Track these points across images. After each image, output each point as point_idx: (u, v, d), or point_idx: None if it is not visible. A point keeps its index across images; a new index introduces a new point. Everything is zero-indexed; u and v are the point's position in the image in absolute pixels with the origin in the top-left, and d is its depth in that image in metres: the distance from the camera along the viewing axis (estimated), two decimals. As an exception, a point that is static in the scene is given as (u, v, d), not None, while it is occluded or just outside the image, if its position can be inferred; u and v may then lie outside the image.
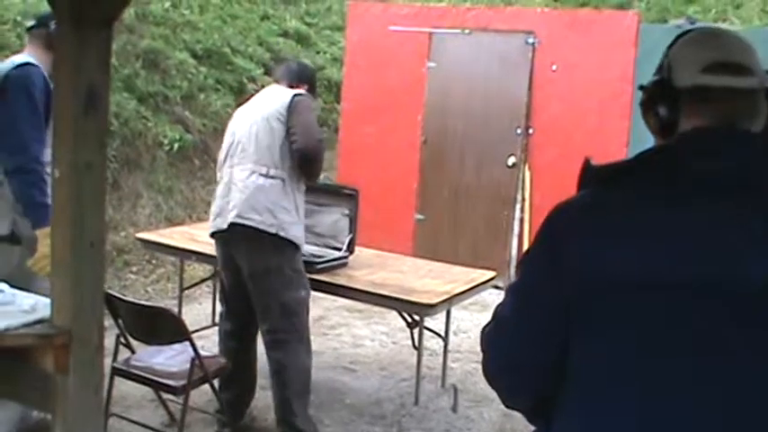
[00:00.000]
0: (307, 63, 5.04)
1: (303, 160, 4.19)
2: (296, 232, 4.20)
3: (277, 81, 4.56)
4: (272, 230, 4.10)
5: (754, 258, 1.45)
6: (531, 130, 7.68)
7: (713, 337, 1.44)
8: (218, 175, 4.39)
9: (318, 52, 11.33)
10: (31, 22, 4.28)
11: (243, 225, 4.11)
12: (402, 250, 6.41)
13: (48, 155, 3.87)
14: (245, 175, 4.16)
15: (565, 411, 1.59)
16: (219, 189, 4.32)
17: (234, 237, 4.19)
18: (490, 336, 1.72)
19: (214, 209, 4.34)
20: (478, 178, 7.90)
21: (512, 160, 7.73)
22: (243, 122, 4.31)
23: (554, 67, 7.55)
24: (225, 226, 4.20)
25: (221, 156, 4.39)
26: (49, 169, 3.88)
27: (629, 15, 7.76)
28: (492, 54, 7.82)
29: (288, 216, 4.15)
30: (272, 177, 4.14)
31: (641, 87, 1.70)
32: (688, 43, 1.67)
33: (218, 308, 4.72)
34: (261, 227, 4.09)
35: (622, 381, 1.49)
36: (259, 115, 4.24)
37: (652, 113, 1.66)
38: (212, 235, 4.37)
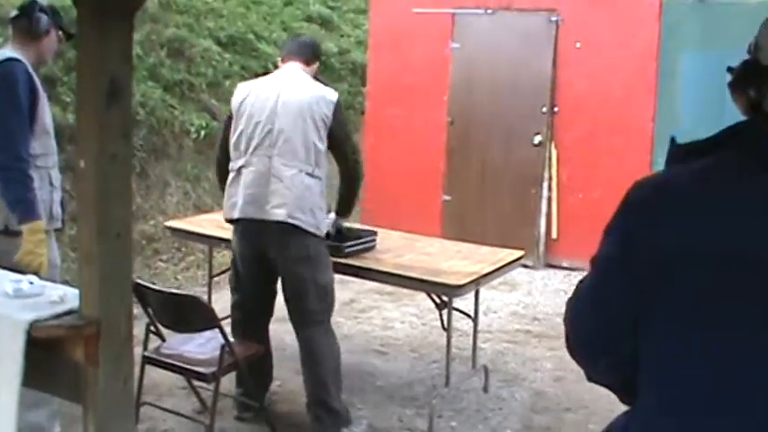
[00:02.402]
0: (314, 40, 5.03)
1: (346, 180, 4.48)
2: (326, 227, 4.35)
3: (290, 57, 4.49)
4: (312, 230, 4.18)
5: None
6: (556, 109, 7.65)
7: None
8: (238, 157, 4.27)
9: (342, 36, 11.33)
10: (13, 13, 4.21)
11: (289, 224, 4.13)
12: (430, 231, 6.41)
13: (34, 148, 3.92)
14: (292, 172, 4.15)
15: (643, 387, 1.60)
16: (250, 176, 4.20)
17: (271, 230, 4.18)
18: (570, 308, 1.75)
19: (243, 196, 4.22)
20: (505, 158, 7.88)
21: (538, 139, 7.70)
22: (284, 114, 4.21)
23: (578, 45, 7.51)
24: (263, 217, 4.16)
25: (244, 139, 4.25)
26: (38, 162, 3.94)
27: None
28: (515, 33, 7.79)
29: (322, 215, 4.26)
30: (316, 177, 4.22)
31: (729, 69, 1.68)
32: None
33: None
34: (304, 226, 4.15)
35: (695, 355, 1.50)
36: (305, 109, 4.21)
37: (740, 93, 1.64)
38: (236, 221, 4.30)
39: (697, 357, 1.50)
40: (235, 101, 4.37)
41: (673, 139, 1.65)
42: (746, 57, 1.64)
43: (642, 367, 1.60)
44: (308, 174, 4.17)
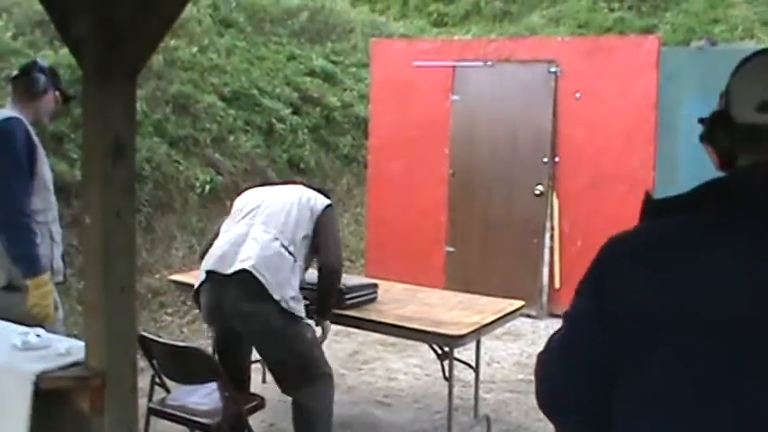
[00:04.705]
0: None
1: (328, 275, 4.42)
2: (297, 307, 4.24)
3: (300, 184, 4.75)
4: (276, 297, 4.13)
5: None
6: (557, 159, 7.73)
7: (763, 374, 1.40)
8: (226, 226, 4.45)
9: (345, 89, 11.45)
10: (14, 73, 4.40)
11: (252, 276, 4.10)
12: (434, 283, 6.46)
13: (35, 204, 4.03)
14: (267, 236, 4.24)
15: None
16: (230, 236, 4.31)
17: (233, 284, 4.15)
18: (542, 362, 1.73)
19: (216, 250, 4.30)
20: (507, 208, 7.95)
21: (539, 189, 7.77)
22: (275, 196, 4.48)
23: (577, 95, 7.60)
24: (228, 270, 4.16)
25: (239, 214, 4.45)
26: (38, 218, 4.04)
27: (650, 39, 7.79)
28: (515, 84, 7.89)
29: (292, 292, 4.20)
30: (290, 253, 4.25)
31: (701, 120, 1.67)
32: (747, 74, 1.62)
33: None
34: (267, 287, 4.11)
35: (668, 411, 1.45)
36: (295, 197, 4.44)
37: (712, 146, 1.65)
38: (207, 275, 4.29)
39: (671, 413, 1.45)
40: (236, 203, 4.62)
41: (647, 194, 1.63)
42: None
43: (615, 428, 1.55)
44: (283, 245, 4.24)
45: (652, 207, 1.61)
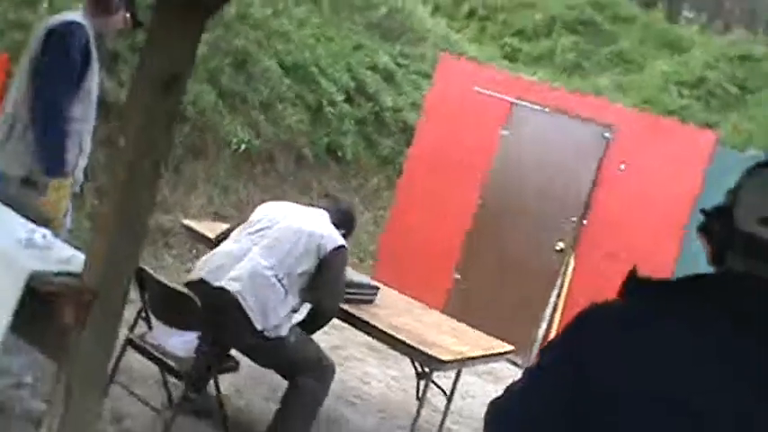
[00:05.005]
0: (353, 211, 4.97)
1: (318, 316, 4.39)
2: (281, 330, 4.20)
3: (326, 210, 4.59)
4: (258, 327, 4.09)
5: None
6: (585, 221, 7.71)
7: None
8: (237, 234, 4.41)
9: (401, 93, 11.47)
10: None
11: (237, 301, 4.07)
12: (434, 304, 6.43)
13: (75, 110, 4.08)
14: (264, 264, 4.17)
15: None
16: (233, 248, 4.28)
17: (218, 299, 4.10)
18: (496, 408, 1.71)
19: (215, 259, 4.29)
20: (524, 253, 7.93)
21: (560, 245, 7.75)
22: (291, 219, 4.37)
23: (622, 167, 7.58)
24: (216, 283, 4.14)
25: (251, 227, 4.40)
26: (74, 125, 4.08)
27: (707, 134, 7.77)
28: (567, 137, 7.88)
29: (276, 321, 4.15)
30: (282, 285, 4.18)
31: (702, 211, 1.67)
32: (756, 184, 1.62)
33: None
34: (250, 315, 4.07)
35: None
36: (309, 227, 4.32)
37: (707, 239, 1.65)
38: (197, 282, 4.22)
39: None
40: (254, 214, 4.54)
41: (634, 271, 1.62)
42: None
43: None
44: (276, 276, 4.17)
45: (635, 284, 1.61)
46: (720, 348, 1.48)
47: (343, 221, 4.62)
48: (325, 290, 4.32)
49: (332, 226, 4.44)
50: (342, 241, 4.38)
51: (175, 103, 2.91)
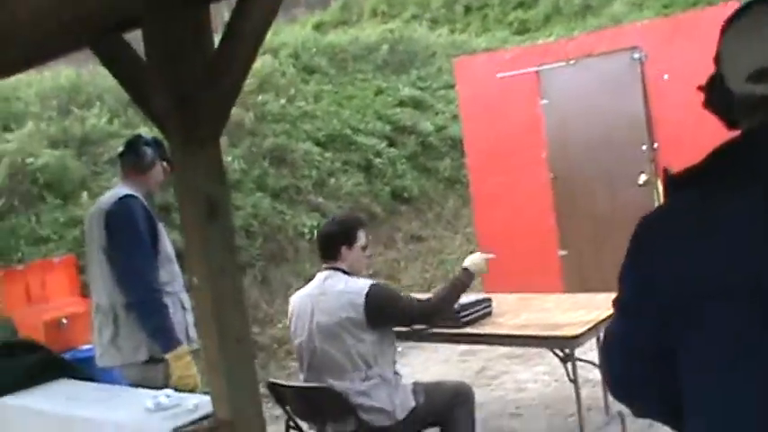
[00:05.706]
0: (340, 223, 4.59)
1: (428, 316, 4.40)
2: (411, 404, 4.19)
3: (324, 260, 4.44)
4: (389, 423, 4.10)
5: None
6: (655, 145, 7.61)
7: None
8: (300, 371, 4.38)
9: (437, 113, 11.55)
10: (120, 149, 4.50)
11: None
12: (552, 289, 6.44)
13: (162, 277, 4.12)
14: (345, 385, 4.08)
15: (690, 417, 1.57)
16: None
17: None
18: (603, 351, 1.76)
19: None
20: (613, 203, 7.86)
21: (643, 178, 7.67)
22: (318, 332, 4.21)
23: (665, 77, 7.48)
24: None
25: (298, 354, 4.40)
26: (167, 288, 4.11)
27: (729, 5, 7.64)
28: (601, 78, 7.81)
29: (400, 401, 4.15)
30: (375, 377, 4.11)
31: (700, 88, 1.70)
32: (737, 38, 1.65)
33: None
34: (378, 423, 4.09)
35: (739, 385, 1.47)
36: (334, 325, 4.16)
37: (716, 112, 1.67)
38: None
39: (742, 387, 1.46)
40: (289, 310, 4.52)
41: (665, 170, 1.65)
42: None
43: (686, 399, 1.56)
44: (362, 380, 4.09)
45: (672, 183, 1.64)
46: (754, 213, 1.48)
47: (339, 241, 4.34)
48: (403, 313, 4.23)
49: (345, 277, 4.25)
50: (364, 284, 4.18)
51: (226, 224, 2.99)
